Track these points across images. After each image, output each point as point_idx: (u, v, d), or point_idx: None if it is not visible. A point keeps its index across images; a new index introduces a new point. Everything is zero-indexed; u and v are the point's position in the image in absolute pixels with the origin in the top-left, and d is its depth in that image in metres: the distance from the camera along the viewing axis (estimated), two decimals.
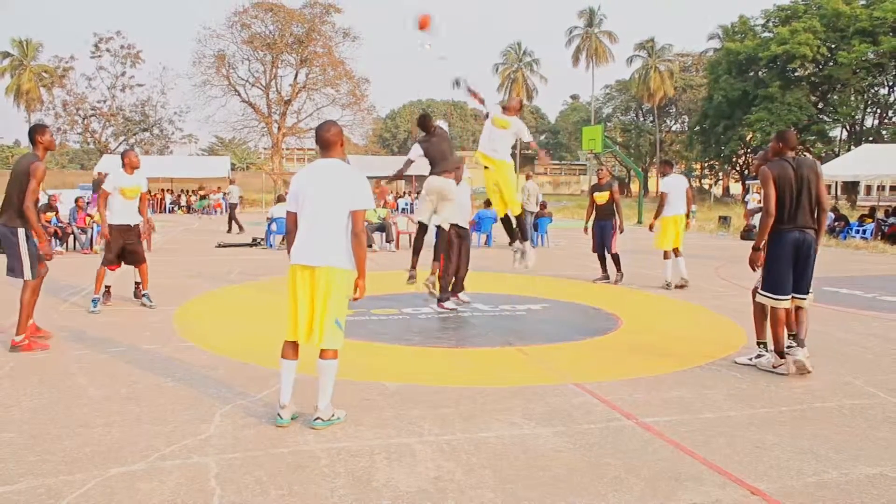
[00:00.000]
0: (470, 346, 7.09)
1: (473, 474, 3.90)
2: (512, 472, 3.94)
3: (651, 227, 11.89)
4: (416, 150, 8.83)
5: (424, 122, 9.00)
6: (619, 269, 11.88)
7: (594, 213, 12.01)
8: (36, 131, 6.64)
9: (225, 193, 31.34)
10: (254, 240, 18.04)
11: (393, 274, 12.27)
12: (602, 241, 12.00)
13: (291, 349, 4.66)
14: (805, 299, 6.18)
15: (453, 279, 9.36)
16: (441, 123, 9.12)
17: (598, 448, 4.32)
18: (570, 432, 4.58)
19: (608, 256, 11.95)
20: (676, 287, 11.23)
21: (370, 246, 16.89)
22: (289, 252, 4.71)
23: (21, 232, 6.51)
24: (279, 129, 51.15)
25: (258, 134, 53.78)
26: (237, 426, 4.58)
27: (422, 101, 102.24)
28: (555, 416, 4.89)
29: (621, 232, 11.95)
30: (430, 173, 8.76)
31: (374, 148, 63.56)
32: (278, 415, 4.64)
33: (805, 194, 6.03)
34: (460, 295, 9.46)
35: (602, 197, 12.01)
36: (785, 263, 6.04)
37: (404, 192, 46.72)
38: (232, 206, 23.78)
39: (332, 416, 4.72)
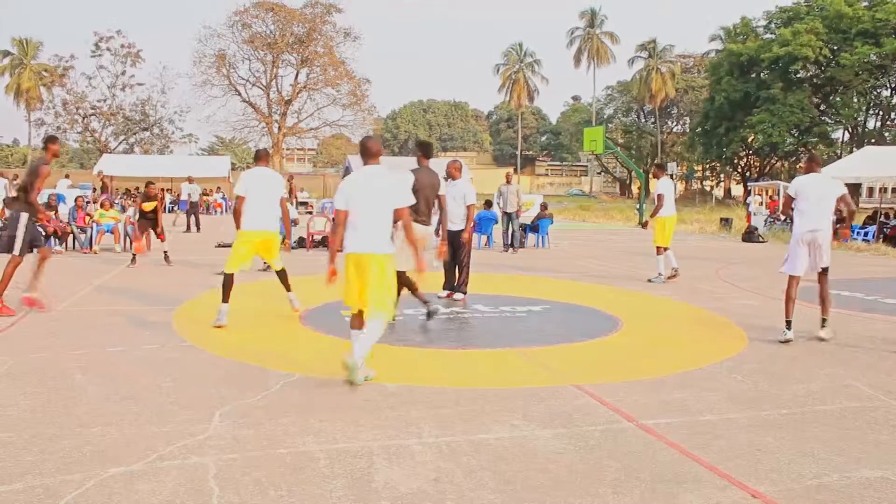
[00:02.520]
0: (470, 348, 7.07)
1: (473, 476, 3.88)
2: (512, 473, 3.93)
3: (645, 225, 12.38)
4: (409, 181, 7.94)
5: (427, 150, 8.55)
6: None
7: None
8: (50, 140, 8.47)
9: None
10: None
11: None
12: None
13: (359, 320, 5.60)
14: None
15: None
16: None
17: (598, 450, 4.31)
18: (571, 434, 4.57)
19: None
20: (669, 279, 12.13)
21: None
22: (335, 243, 5.63)
23: (23, 216, 8.13)
24: (279, 128, 51.15)
25: (258, 134, 53.86)
26: (236, 426, 4.57)
27: (422, 101, 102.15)
28: (555, 418, 4.88)
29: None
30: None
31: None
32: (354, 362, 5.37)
33: None
34: (455, 295, 9.82)
35: None
36: None
37: None
38: (192, 205, 23.85)
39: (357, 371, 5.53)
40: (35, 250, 8.40)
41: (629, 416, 4.95)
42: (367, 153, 5.74)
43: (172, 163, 45.10)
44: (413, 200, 5.80)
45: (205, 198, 35.05)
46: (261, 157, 8.24)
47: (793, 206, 7.78)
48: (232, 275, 7.72)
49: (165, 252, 13.81)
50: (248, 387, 5.43)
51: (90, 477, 3.75)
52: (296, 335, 7.46)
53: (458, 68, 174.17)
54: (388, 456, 4.14)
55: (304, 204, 35.92)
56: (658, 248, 12.25)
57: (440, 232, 8.73)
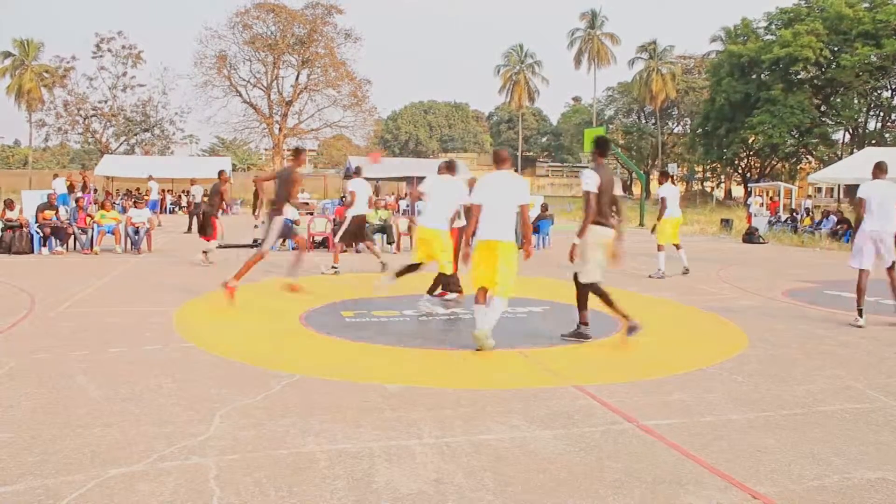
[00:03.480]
0: (471, 348, 7.06)
1: (473, 476, 3.88)
2: (512, 474, 3.93)
3: (654, 230, 13.45)
4: (594, 180, 7.11)
5: (605, 148, 7.58)
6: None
7: None
8: (298, 151, 9.82)
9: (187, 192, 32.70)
10: (255, 241, 17.98)
11: None
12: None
13: (483, 294, 6.83)
14: None
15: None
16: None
17: (598, 451, 4.31)
18: (571, 435, 4.57)
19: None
20: (683, 273, 13.04)
21: None
22: (469, 232, 6.99)
23: (277, 220, 9.27)
24: (280, 129, 51.12)
25: (259, 135, 53.76)
26: (237, 427, 4.57)
27: (423, 102, 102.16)
28: (555, 419, 4.88)
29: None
30: (596, 222, 7.19)
31: (376, 149, 63.48)
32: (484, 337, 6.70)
33: None
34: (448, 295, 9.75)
35: None
36: None
37: (405, 194, 46.65)
38: (196, 206, 23.88)
39: (489, 340, 6.74)
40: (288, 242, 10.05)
41: (630, 416, 4.95)
42: (499, 160, 7.11)
43: (173, 164, 45.11)
44: (529, 200, 7.05)
45: (205, 199, 35.10)
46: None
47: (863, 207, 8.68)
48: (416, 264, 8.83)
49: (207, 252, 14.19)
50: (248, 387, 5.44)
51: (91, 478, 3.75)
52: (297, 336, 7.46)
53: (458, 69, 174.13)
54: (389, 457, 4.14)
55: (305, 205, 35.87)
56: (660, 245, 13.15)
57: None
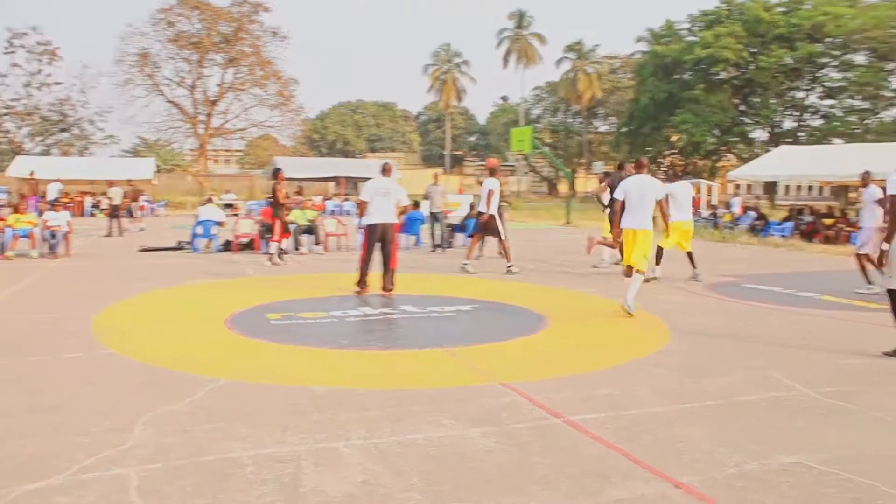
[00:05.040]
0: (398, 349, 7.06)
1: (402, 477, 3.88)
2: (441, 473, 3.94)
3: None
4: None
5: None
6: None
7: None
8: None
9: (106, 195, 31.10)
10: (179, 243, 17.59)
11: (320, 277, 12.15)
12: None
13: (630, 270, 8.91)
14: None
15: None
16: None
17: (526, 447, 4.35)
18: (499, 432, 4.60)
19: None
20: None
21: (298, 248, 16.61)
22: (616, 221, 9.20)
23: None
24: (206, 129, 50.14)
25: (183, 135, 52.61)
26: (160, 434, 4.46)
27: (351, 101, 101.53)
28: (484, 417, 4.91)
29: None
30: None
31: (303, 149, 62.80)
32: (628, 305, 8.65)
33: None
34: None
35: None
36: None
37: (332, 195, 46.26)
38: (114, 208, 23.15)
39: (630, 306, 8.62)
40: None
41: (556, 412, 5.01)
42: (639, 166, 9.18)
43: (93, 165, 43.72)
44: (663, 195, 9.21)
45: (126, 200, 34.17)
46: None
47: None
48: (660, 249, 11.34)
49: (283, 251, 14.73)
50: (171, 394, 5.31)
51: (5, 493, 3.60)
52: (221, 340, 7.32)
53: (386, 68, 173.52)
54: (316, 460, 4.10)
55: (230, 206, 35.22)
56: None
57: None
